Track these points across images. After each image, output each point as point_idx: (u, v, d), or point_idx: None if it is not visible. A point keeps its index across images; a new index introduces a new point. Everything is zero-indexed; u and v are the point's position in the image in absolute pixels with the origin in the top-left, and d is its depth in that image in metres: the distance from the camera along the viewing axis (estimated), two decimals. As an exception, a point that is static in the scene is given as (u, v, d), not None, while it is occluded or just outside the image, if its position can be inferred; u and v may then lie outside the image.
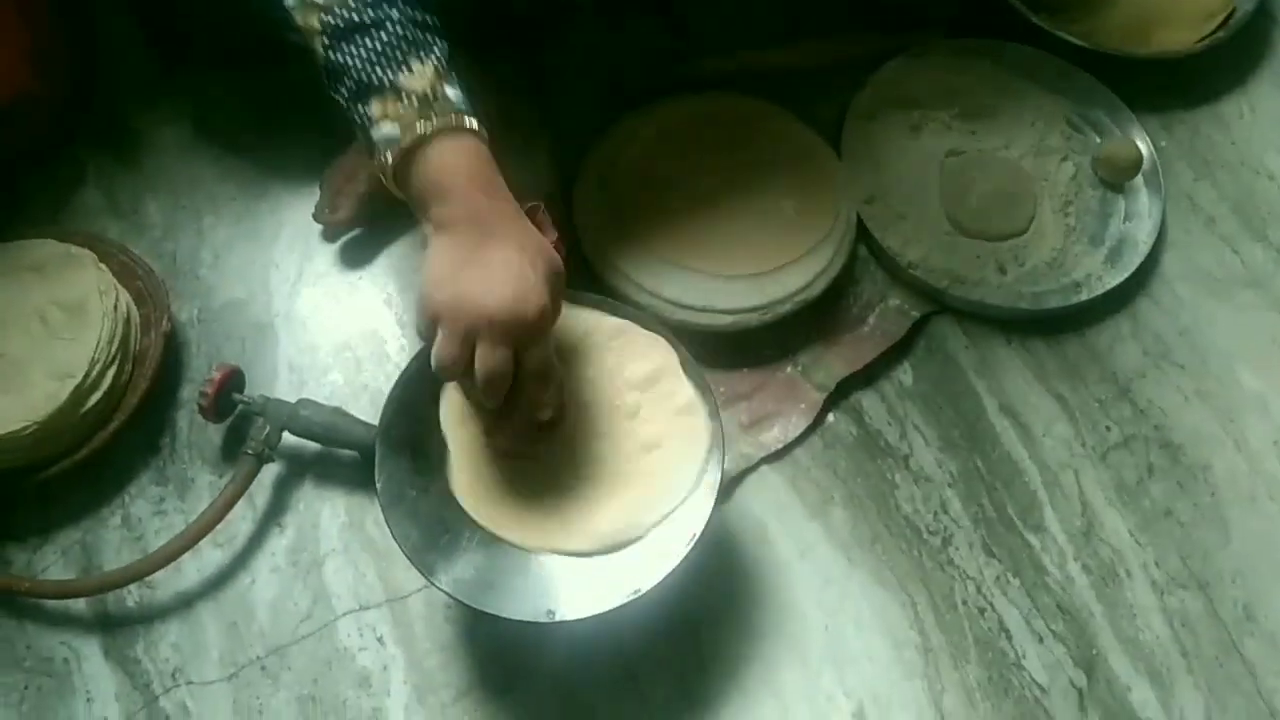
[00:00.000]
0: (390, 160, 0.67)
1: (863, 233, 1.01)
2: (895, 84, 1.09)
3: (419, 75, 0.67)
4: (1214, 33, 1.15)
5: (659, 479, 0.75)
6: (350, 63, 0.67)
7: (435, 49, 0.69)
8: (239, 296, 0.99)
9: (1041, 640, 0.87)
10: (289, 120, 1.05)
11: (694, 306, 0.93)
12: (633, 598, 0.72)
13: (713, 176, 0.99)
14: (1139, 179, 1.07)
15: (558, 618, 0.72)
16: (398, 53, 0.67)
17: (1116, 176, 1.07)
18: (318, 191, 1.01)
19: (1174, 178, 1.10)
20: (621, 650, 0.84)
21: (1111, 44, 1.11)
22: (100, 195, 1.04)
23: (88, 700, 0.83)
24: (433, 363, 0.67)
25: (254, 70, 1.07)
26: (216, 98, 1.08)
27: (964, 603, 0.88)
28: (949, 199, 1.05)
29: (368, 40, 0.67)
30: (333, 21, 0.68)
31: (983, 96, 1.11)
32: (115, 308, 0.90)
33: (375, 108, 0.67)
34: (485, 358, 0.66)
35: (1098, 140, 1.10)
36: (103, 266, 0.92)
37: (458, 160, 0.68)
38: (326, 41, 0.68)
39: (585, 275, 0.94)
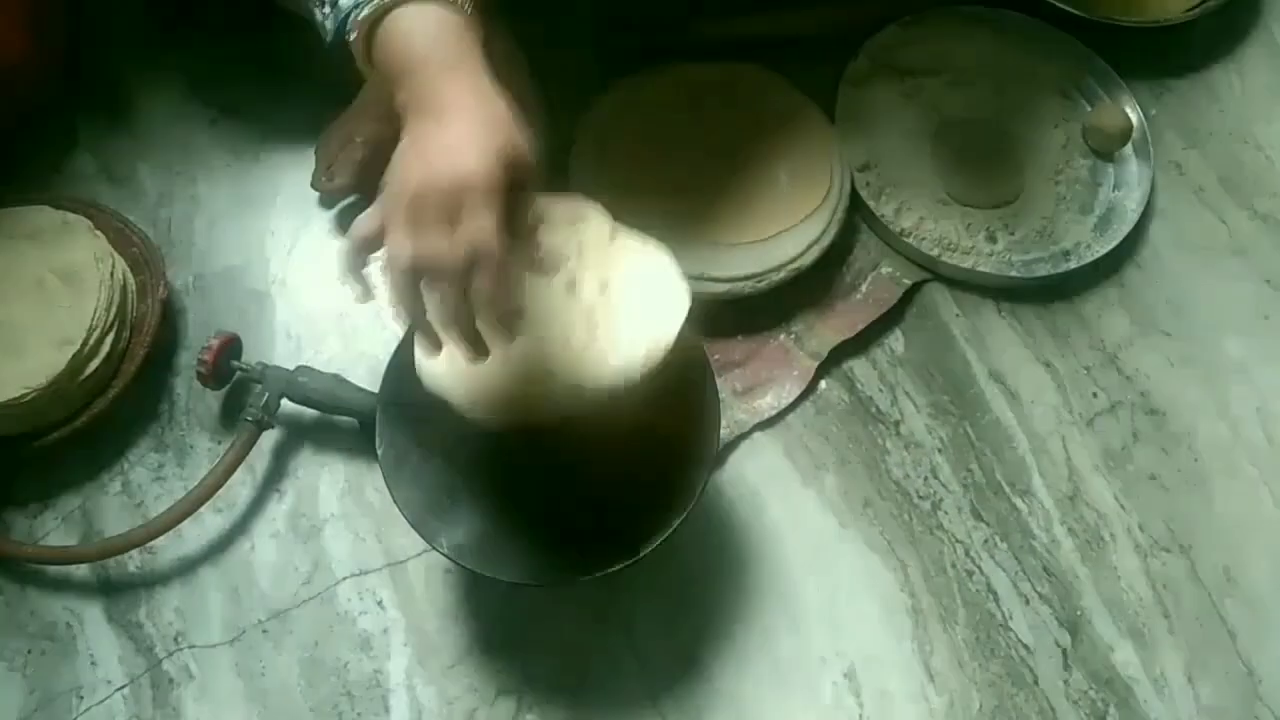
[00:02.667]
0: (355, 38, 0.61)
1: (856, 201, 1.01)
2: (889, 51, 1.10)
3: None
4: (1204, 2, 1.15)
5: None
6: None
7: None
8: (235, 263, 0.99)
9: (1028, 602, 0.89)
10: (283, 85, 1.05)
11: (689, 274, 0.91)
12: (630, 562, 0.73)
13: (707, 144, 0.99)
14: (1129, 148, 1.08)
15: (556, 580, 0.74)
16: None
17: (1106, 145, 1.08)
18: (313, 157, 1.01)
19: (1163, 147, 1.11)
20: (619, 612, 0.86)
21: (1103, 11, 1.11)
22: (93, 161, 1.03)
23: (91, 664, 0.84)
24: (419, 262, 0.57)
25: (248, 35, 1.06)
26: (210, 63, 1.08)
27: (953, 566, 0.90)
28: (942, 167, 1.06)
29: None
30: None
31: (976, 64, 1.11)
32: (112, 275, 0.90)
33: None
34: (424, 243, 0.57)
35: (1088, 108, 1.11)
36: (99, 233, 0.92)
37: (426, 29, 0.60)
38: None
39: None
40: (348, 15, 0.62)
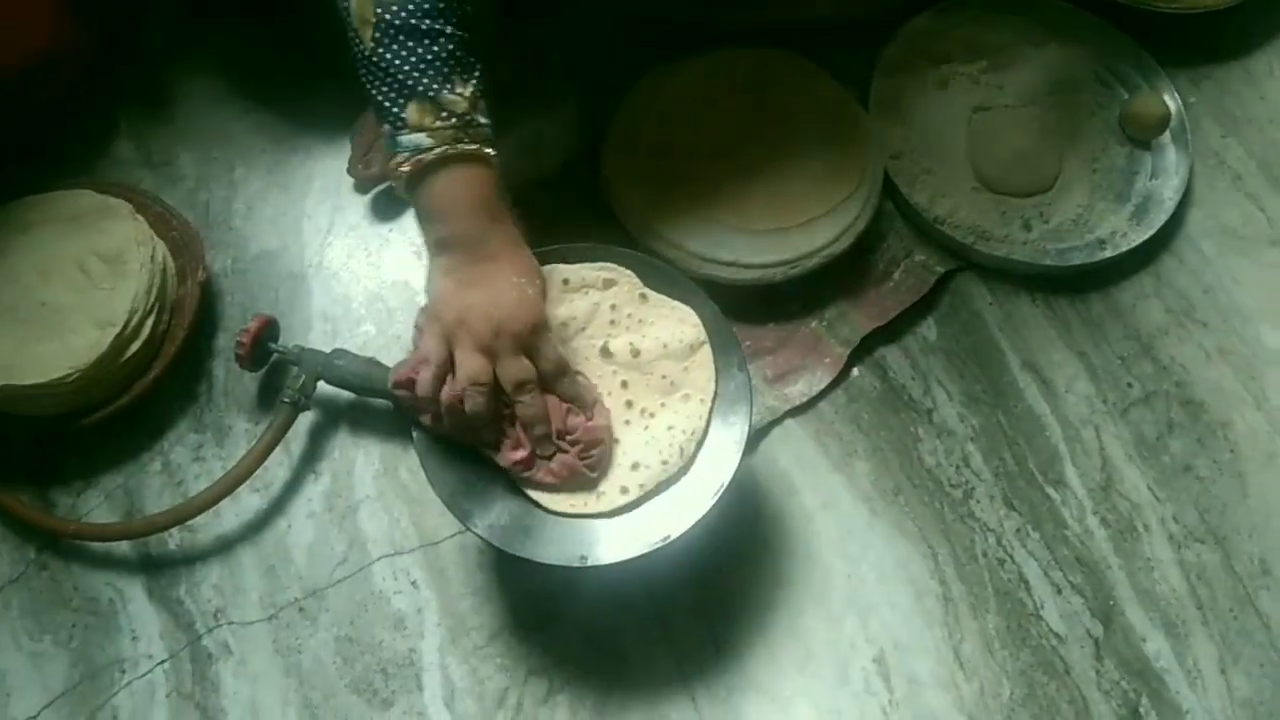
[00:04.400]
0: (408, 169, 0.70)
1: (889, 188, 1.01)
2: (924, 38, 1.09)
3: (461, 95, 0.70)
4: (1246, -13, 1.14)
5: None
6: (398, 64, 0.69)
7: (476, 71, 0.71)
8: (272, 247, 1.00)
9: (1060, 591, 0.89)
10: (319, 73, 1.05)
11: (721, 261, 0.93)
12: (662, 544, 0.74)
13: (740, 131, 0.99)
14: (1166, 135, 1.07)
15: (589, 563, 0.74)
16: (445, 68, 0.69)
17: (1144, 133, 1.07)
18: (348, 144, 1.02)
19: (1201, 134, 1.10)
20: (650, 596, 0.87)
21: (1142, -1, 1.11)
22: (133, 147, 1.05)
23: (133, 639, 0.86)
24: (460, 379, 0.71)
25: (284, 23, 1.08)
26: (247, 50, 1.09)
27: (984, 554, 0.90)
28: (976, 155, 1.05)
29: (420, 48, 0.69)
30: (390, 19, 0.68)
31: (1011, 51, 1.10)
32: (153, 258, 0.91)
33: (413, 113, 0.69)
34: (509, 369, 0.72)
35: (1125, 96, 1.10)
36: (139, 217, 0.93)
37: (469, 184, 0.72)
38: (377, 35, 0.68)
39: (614, 230, 0.95)
40: (402, 148, 0.71)
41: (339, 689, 0.84)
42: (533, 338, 0.73)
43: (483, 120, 0.71)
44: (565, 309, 0.78)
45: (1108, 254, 1.01)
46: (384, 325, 0.97)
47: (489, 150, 0.72)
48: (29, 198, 0.93)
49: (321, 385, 0.90)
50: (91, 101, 1.05)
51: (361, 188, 1.02)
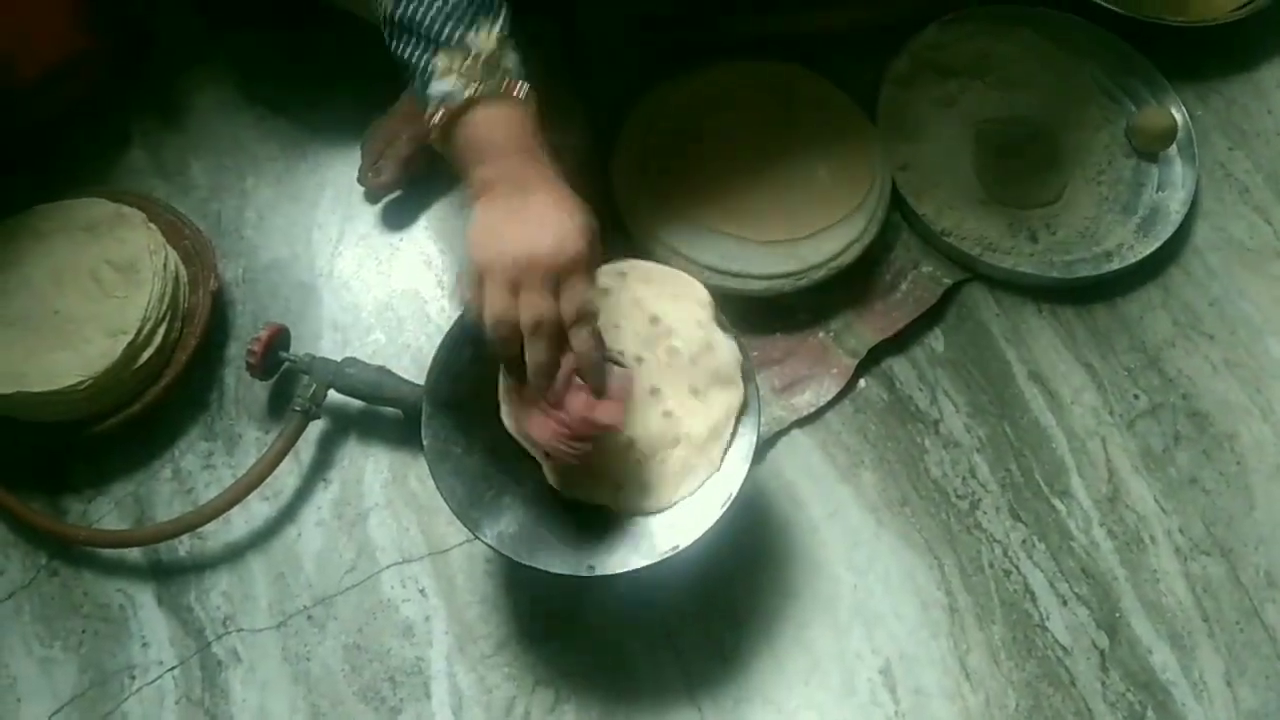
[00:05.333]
0: (440, 116, 0.69)
1: (896, 199, 1.02)
2: (931, 50, 1.10)
3: (486, 36, 0.69)
4: (1252, 1, 1.14)
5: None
6: (421, 16, 0.68)
7: (502, 14, 0.70)
8: (283, 256, 1.01)
9: (1065, 603, 0.89)
10: (330, 83, 1.07)
11: (729, 271, 0.94)
12: (670, 554, 0.74)
13: (748, 142, 0.99)
14: (1173, 148, 1.07)
15: (597, 572, 0.74)
16: (468, 14, 0.69)
17: (1151, 145, 1.07)
18: (358, 153, 1.02)
19: (1208, 147, 1.10)
20: (658, 605, 0.87)
21: (1149, 11, 1.11)
22: (146, 156, 1.06)
23: (143, 645, 0.86)
24: (487, 320, 0.68)
25: (296, 33, 1.09)
26: (260, 59, 1.10)
27: (990, 565, 0.90)
28: (983, 167, 1.06)
29: None
30: None
31: (1018, 64, 1.11)
32: (165, 266, 0.92)
33: (440, 61, 0.68)
34: (530, 302, 0.67)
35: (1133, 109, 1.10)
36: (152, 226, 0.94)
37: (503, 123, 0.70)
38: None
39: (623, 240, 0.96)
40: (433, 98, 0.69)
41: (347, 696, 0.85)
42: (565, 273, 0.68)
43: (510, 59, 0.70)
44: (659, 301, 0.79)
45: (1114, 266, 1.01)
46: (394, 334, 0.98)
47: (520, 90, 0.70)
48: (43, 206, 0.94)
49: (331, 394, 0.90)
50: (105, 111, 1.06)
51: (372, 197, 1.03)
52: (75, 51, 0.99)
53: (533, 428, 0.72)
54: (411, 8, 0.69)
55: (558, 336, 0.68)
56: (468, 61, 0.68)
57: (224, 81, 1.09)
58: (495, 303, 0.68)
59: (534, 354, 0.68)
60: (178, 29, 1.12)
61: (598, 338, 0.71)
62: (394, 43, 0.71)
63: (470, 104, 0.68)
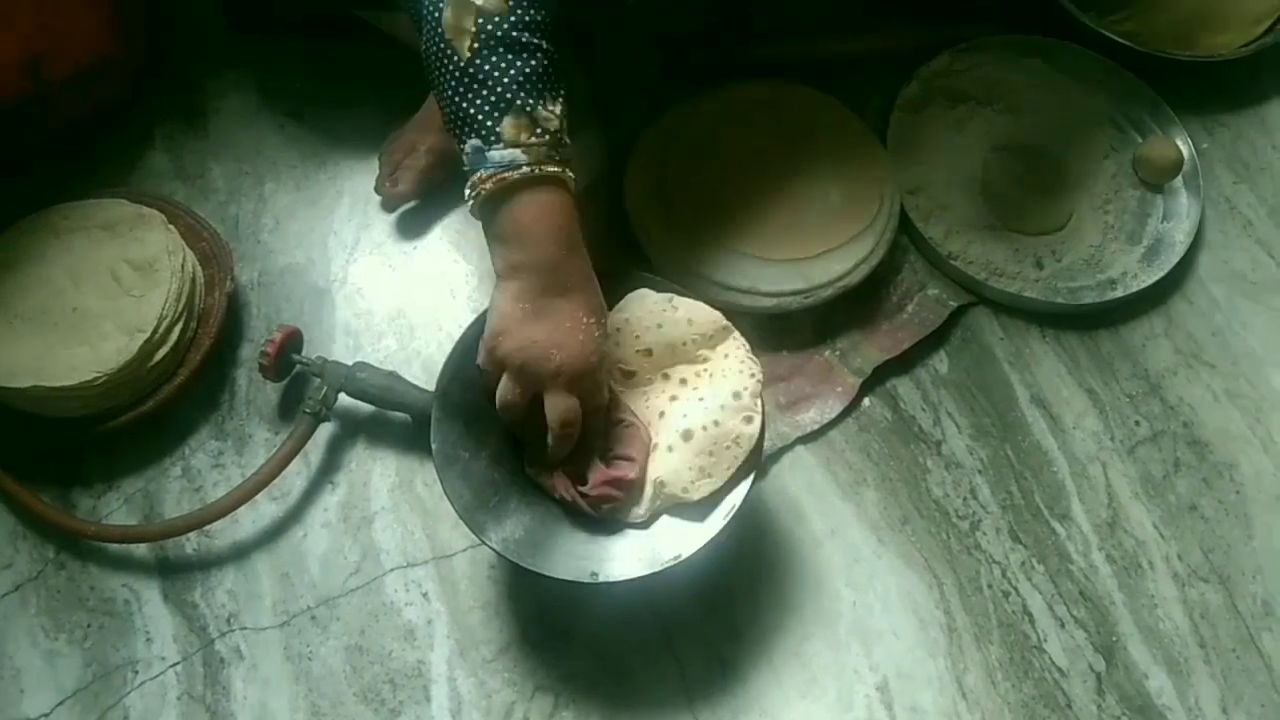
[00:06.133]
0: (492, 185, 0.68)
1: (904, 222, 1.03)
2: (942, 77, 1.11)
3: (553, 113, 0.68)
4: (1261, 37, 1.16)
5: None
6: (497, 75, 0.67)
7: (564, 91, 0.70)
8: (298, 261, 1.02)
9: (1063, 625, 0.90)
10: (350, 91, 1.09)
11: (738, 288, 0.95)
12: (672, 563, 0.75)
13: (760, 162, 1.01)
14: (1178, 180, 1.09)
15: (601, 579, 0.75)
16: (541, 84, 0.68)
17: (1156, 177, 1.09)
18: (376, 162, 1.04)
19: (1214, 180, 1.12)
20: (659, 615, 0.88)
21: (1158, 45, 1.13)
22: (167, 159, 1.07)
23: (147, 640, 0.87)
24: (498, 404, 0.73)
25: (319, 43, 1.11)
26: (282, 67, 1.11)
27: (989, 586, 0.91)
28: (990, 193, 1.07)
29: (519, 61, 0.67)
30: (492, 29, 0.67)
31: (1028, 93, 1.12)
32: (183, 267, 0.93)
33: (508, 127, 0.67)
34: (558, 406, 0.72)
35: (1139, 140, 1.12)
36: (171, 227, 0.96)
37: (551, 209, 0.69)
38: (476, 46, 0.67)
39: (635, 255, 0.97)
40: (491, 164, 0.68)
41: (347, 697, 0.85)
42: (588, 380, 0.73)
43: (569, 141, 0.70)
44: (655, 335, 0.80)
45: (1118, 294, 1.02)
46: (405, 340, 0.99)
47: (571, 174, 0.70)
48: (65, 205, 0.96)
49: (341, 397, 0.91)
50: (129, 114, 1.08)
51: (388, 206, 1.04)
52: (104, 53, 1.01)
53: (557, 486, 0.78)
54: (490, 64, 0.67)
55: (580, 430, 0.74)
56: (536, 134, 0.67)
57: (246, 88, 1.11)
58: (508, 394, 0.72)
59: (559, 447, 0.75)
60: (203, 35, 1.13)
61: (610, 413, 0.77)
62: (458, 94, 0.68)
63: (529, 182, 0.68)
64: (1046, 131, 1.11)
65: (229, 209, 1.05)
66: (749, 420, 0.77)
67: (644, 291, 0.81)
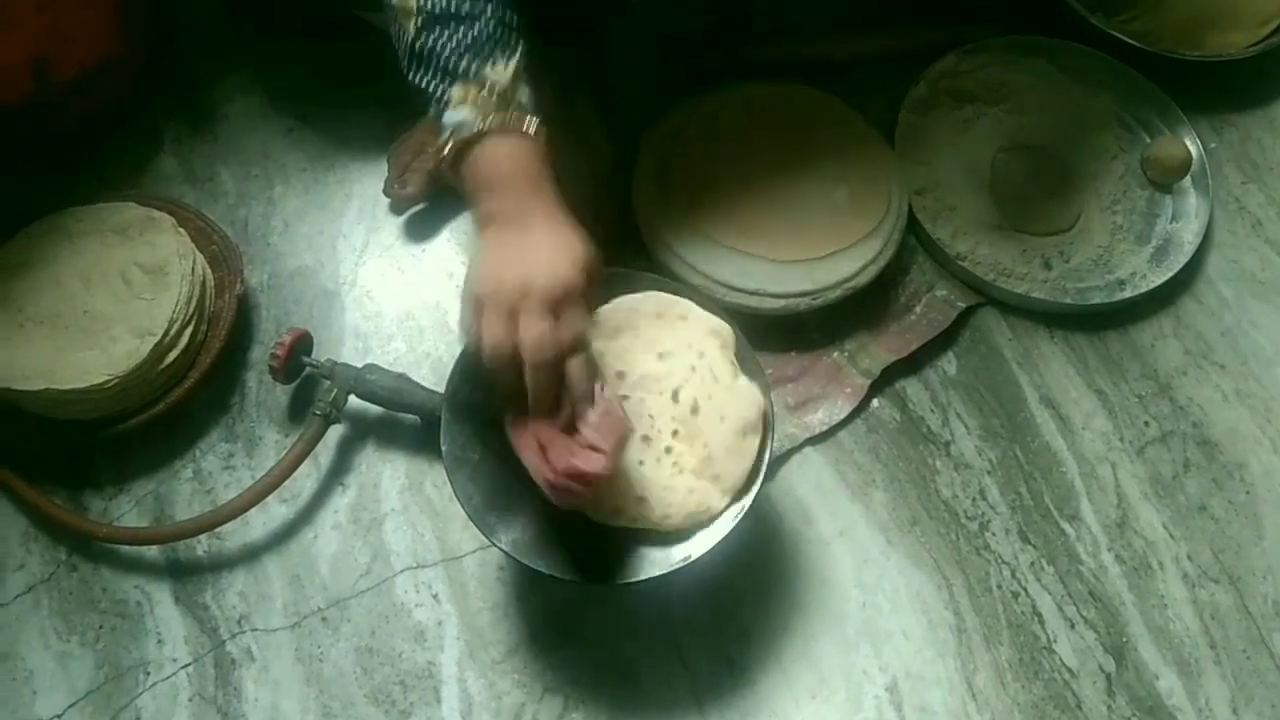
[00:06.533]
0: (452, 146, 0.71)
1: (912, 223, 1.03)
2: (949, 78, 1.11)
3: (502, 71, 0.71)
4: (1269, 37, 1.15)
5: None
6: (441, 48, 0.71)
7: (518, 49, 0.73)
8: (308, 264, 1.03)
9: (1073, 626, 0.90)
10: (359, 94, 1.09)
11: (745, 290, 0.95)
12: (682, 564, 0.75)
13: (767, 163, 1.01)
14: (1187, 180, 1.09)
15: (610, 580, 0.75)
16: (486, 47, 0.71)
17: (1165, 177, 1.09)
18: (385, 165, 1.04)
19: (1222, 180, 1.11)
20: (668, 616, 0.88)
21: (1165, 45, 1.13)
22: (176, 162, 1.08)
23: (159, 642, 0.87)
24: (484, 347, 0.69)
25: (326, 45, 1.11)
26: (290, 69, 1.12)
27: (998, 586, 0.91)
28: (998, 193, 1.07)
29: (461, 29, 0.71)
30: (430, 7, 0.71)
31: (1035, 93, 1.12)
32: (193, 270, 0.94)
33: (457, 91, 0.70)
34: (531, 329, 0.68)
35: (1148, 140, 1.12)
36: (181, 230, 0.96)
37: (511, 157, 0.72)
38: (420, 23, 0.71)
39: (642, 257, 0.97)
40: (446, 127, 0.71)
41: (358, 699, 0.86)
42: (561, 302, 0.69)
43: (524, 94, 0.72)
44: (670, 339, 0.80)
45: (1127, 294, 1.02)
46: (415, 342, 0.99)
47: (530, 125, 0.71)
48: (76, 208, 0.96)
49: (351, 399, 0.92)
50: (138, 117, 1.09)
51: (397, 208, 1.05)
52: (110, 56, 1.01)
53: (523, 446, 0.72)
54: (432, 39, 0.71)
55: (557, 363, 0.69)
56: (482, 93, 0.70)
57: (255, 91, 1.11)
58: (493, 331, 0.69)
59: (534, 380, 0.69)
60: (211, 38, 1.14)
61: (591, 367, 0.72)
62: (412, 72, 0.73)
63: (481, 136, 0.70)
64: (1054, 132, 1.11)
65: (238, 212, 1.05)
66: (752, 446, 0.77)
67: (650, 295, 0.82)
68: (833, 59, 1.12)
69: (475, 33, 0.71)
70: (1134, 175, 1.10)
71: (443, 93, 0.71)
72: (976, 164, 1.08)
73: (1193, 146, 1.08)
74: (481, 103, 0.70)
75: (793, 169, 1.01)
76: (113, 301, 0.91)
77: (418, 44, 0.71)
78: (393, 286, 1.02)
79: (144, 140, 1.09)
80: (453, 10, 0.71)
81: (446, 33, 0.71)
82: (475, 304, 0.70)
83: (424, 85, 0.72)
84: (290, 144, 1.09)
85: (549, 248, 0.70)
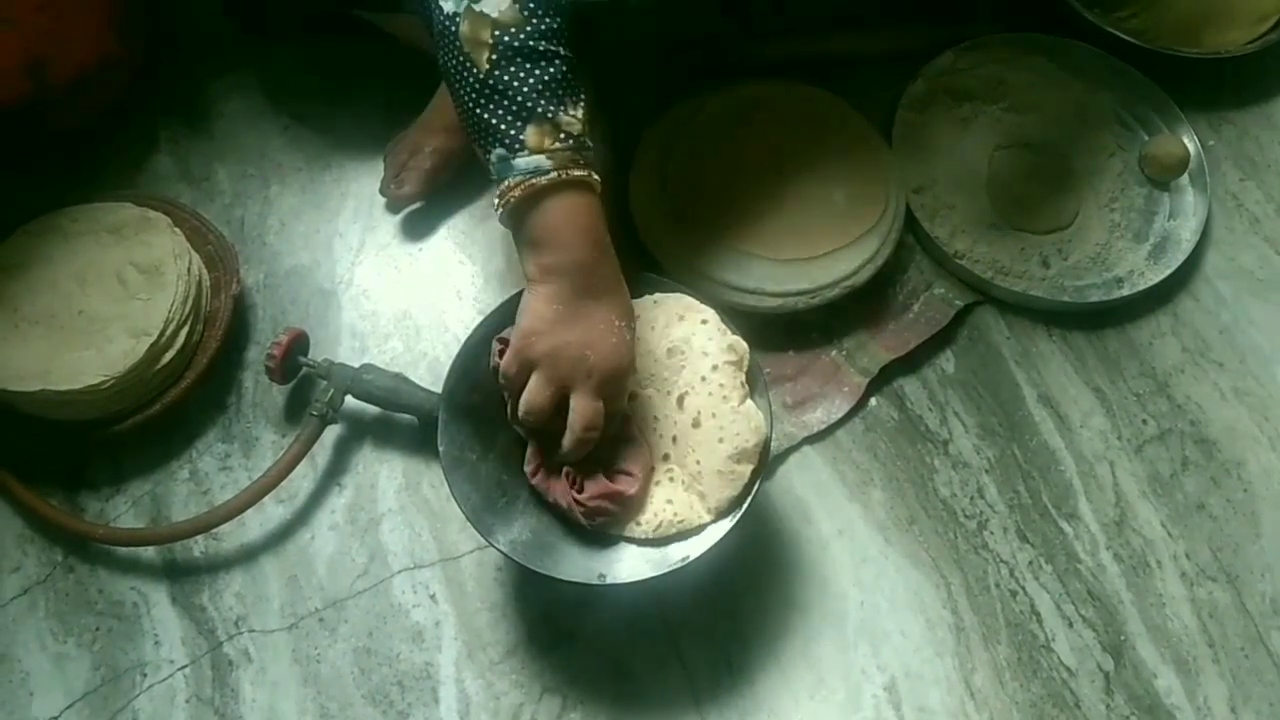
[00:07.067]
0: (520, 193, 0.68)
1: (910, 222, 1.03)
2: (947, 76, 1.11)
3: (575, 117, 0.69)
4: (1266, 34, 1.15)
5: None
6: (517, 85, 0.68)
7: (583, 95, 0.70)
8: (304, 263, 1.03)
9: (1071, 625, 0.90)
10: (355, 92, 1.09)
11: (744, 289, 0.95)
12: (680, 565, 0.75)
13: (765, 162, 1.01)
14: (1185, 177, 1.08)
15: (608, 580, 0.75)
16: (561, 90, 0.68)
17: (1163, 174, 1.08)
18: (381, 165, 1.04)
19: (1220, 177, 1.11)
20: (666, 617, 0.88)
21: (1163, 42, 1.12)
22: (172, 161, 1.07)
23: (155, 643, 0.87)
24: (523, 406, 0.72)
25: (322, 45, 1.11)
26: (286, 68, 1.12)
27: (996, 585, 0.91)
28: (996, 191, 1.07)
29: (537, 69, 0.68)
30: (509, 41, 0.68)
31: (1033, 91, 1.12)
32: (188, 270, 0.93)
33: (531, 135, 0.68)
34: (585, 409, 0.71)
35: (1145, 138, 1.11)
36: (177, 230, 0.96)
37: (580, 211, 0.70)
38: (494, 58, 0.68)
39: (640, 256, 0.97)
40: (517, 172, 0.69)
41: (356, 699, 0.85)
42: (615, 385, 0.73)
43: (591, 144, 0.71)
44: (681, 334, 0.79)
45: (1125, 292, 1.02)
46: (411, 342, 0.99)
47: (598, 176, 0.71)
48: (71, 208, 0.96)
49: (348, 399, 0.91)
50: (134, 117, 1.08)
51: (394, 207, 1.04)
52: (107, 56, 1.01)
53: (554, 489, 0.77)
54: (509, 75, 0.68)
55: (600, 435, 0.73)
56: (559, 140, 0.68)
57: (251, 90, 1.11)
58: (536, 396, 0.71)
59: (575, 450, 0.73)
60: (207, 37, 1.14)
61: (626, 421, 0.77)
62: (480, 105, 0.69)
63: (558, 186, 0.68)
64: (1052, 129, 1.11)
65: (234, 211, 1.05)
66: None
67: (675, 296, 0.82)
68: (832, 58, 1.12)
69: (553, 72, 0.68)
70: (1132, 173, 1.10)
71: (517, 131, 0.68)
72: (974, 162, 1.08)
73: (1190, 144, 1.08)
74: (557, 149, 0.68)
75: (791, 168, 1.00)
76: (108, 302, 0.91)
77: (490, 79, 0.68)
78: (389, 286, 1.02)
79: (140, 139, 1.08)
80: (531, 46, 0.68)
81: (525, 70, 0.68)
82: (525, 361, 0.71)
83: (494, 121, 0.68)
84: (287, 143, 1.09)
85: (613, 328, 0.71)
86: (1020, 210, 1.06)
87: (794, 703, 0.86)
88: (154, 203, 0.99)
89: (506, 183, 0.69)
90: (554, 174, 0.68)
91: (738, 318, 0.83)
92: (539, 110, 0.68)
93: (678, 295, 0.82)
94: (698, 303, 0.81)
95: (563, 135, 0.68)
